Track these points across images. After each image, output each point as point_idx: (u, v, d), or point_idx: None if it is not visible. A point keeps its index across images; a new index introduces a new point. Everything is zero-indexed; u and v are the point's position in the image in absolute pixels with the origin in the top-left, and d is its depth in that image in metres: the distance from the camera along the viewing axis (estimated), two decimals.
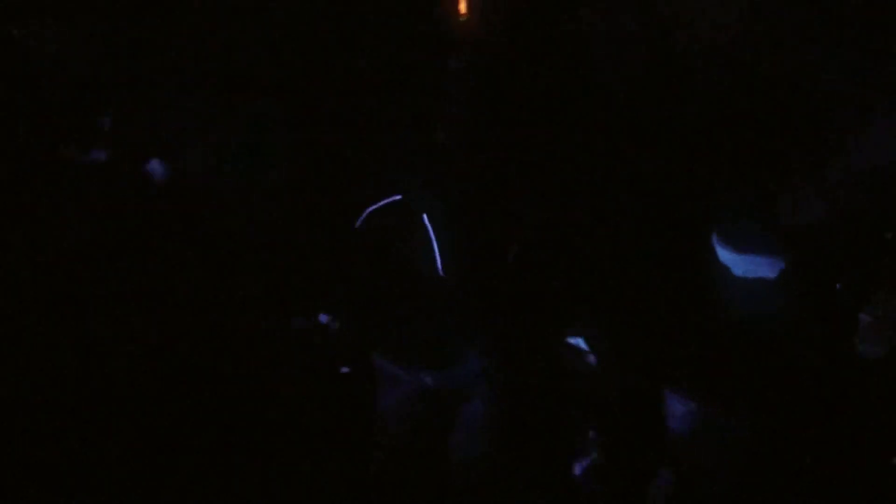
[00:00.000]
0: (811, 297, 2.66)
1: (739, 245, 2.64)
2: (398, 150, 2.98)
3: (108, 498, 2.78)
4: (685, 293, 2.74)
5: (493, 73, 3.17)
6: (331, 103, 3.21)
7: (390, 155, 2.91)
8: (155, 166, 3.08)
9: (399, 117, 3.01)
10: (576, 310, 2.87)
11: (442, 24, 3.22)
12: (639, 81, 3.07)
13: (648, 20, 3.11)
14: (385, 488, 2.80)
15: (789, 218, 2.70)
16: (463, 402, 2.79)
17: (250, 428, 2.99)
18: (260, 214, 3.17)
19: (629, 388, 2.78)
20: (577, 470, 2.75)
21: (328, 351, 3.08)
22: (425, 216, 2.67)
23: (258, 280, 3.15)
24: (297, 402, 3.04)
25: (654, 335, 2.77)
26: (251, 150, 3.20)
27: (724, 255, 2.66)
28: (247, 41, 3.22)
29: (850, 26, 2.81)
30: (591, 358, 2.78)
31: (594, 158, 2.97)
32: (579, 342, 2.82)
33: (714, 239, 2.68)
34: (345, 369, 3.04)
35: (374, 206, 2.70)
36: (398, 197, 2.68)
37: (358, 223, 2.72)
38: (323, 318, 2.93)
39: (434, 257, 2.66)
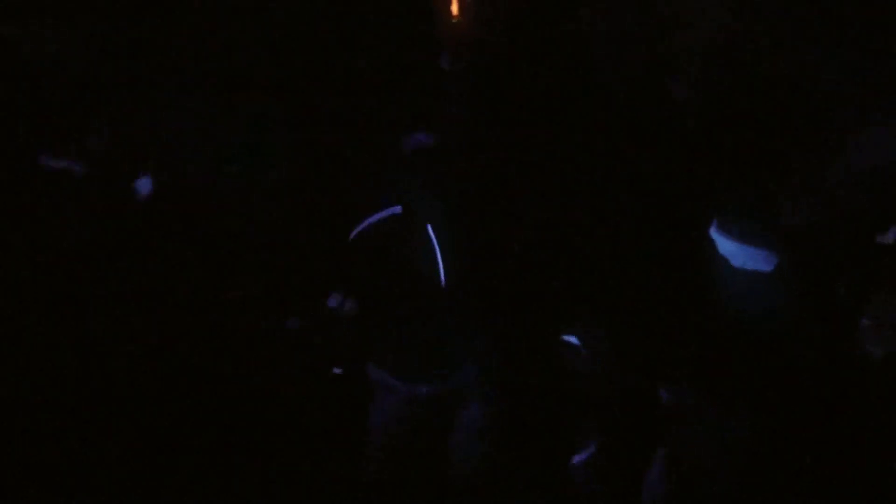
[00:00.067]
0: (810, 296, 2.65)
1: (738, 235, 2.64)
2: (398, 150, 2.97)
3: (105, 496, 2.79)
4: (683, 286, 2.74)
5: (491, 73, 3.17)
6: (331, 103, 3.21)
7: (390, 155, 2.90)
8: (144, 184, 3.07)
9: (399, 117, 3.01)
10: (575, 305, 2.87)
11: (437, 24, 3.23)
12: (638, 81, 3.07)
13: (648, 20, 3.11)
14: (379, 495, 2.81)
15: (789, 217, 2.70)
16: (460, 410, 2.79)
17: (247, 427, 3.00)
18: (260, 214, 3.18)
19: (627, 384, 2.78)
20: (575, 466, 2.75)
21: (324, 351, 3.08)
22: (430, 227, 2.67)
23: (257, 280, 3.15)
24: (292, 402, 3.04)
25: (652, 330, 2.77)
26: (251, 150, 3.20)
27: (724, 244, 2.65)
28: (247, 41, 3.23)
29: (850, 26, 2.81)
30: (586, 354, 2.78)
31: (593, 157, 2.97)
32: (573, 339, 2.82)
33: (714, 228, 2.67)
34: (337, 370, 3.04)
35: (371, 218, 2.69)
36: (397, 208, 2.68)
37: (354, 234, 2.71)
38: (332, 301, 2.92)
39: (437, 267, 2.65)
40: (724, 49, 3.02)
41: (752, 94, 2.88)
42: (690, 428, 2.65)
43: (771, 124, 2.80)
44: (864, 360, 2.64)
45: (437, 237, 2.66)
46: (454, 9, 3.23)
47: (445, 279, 2.65)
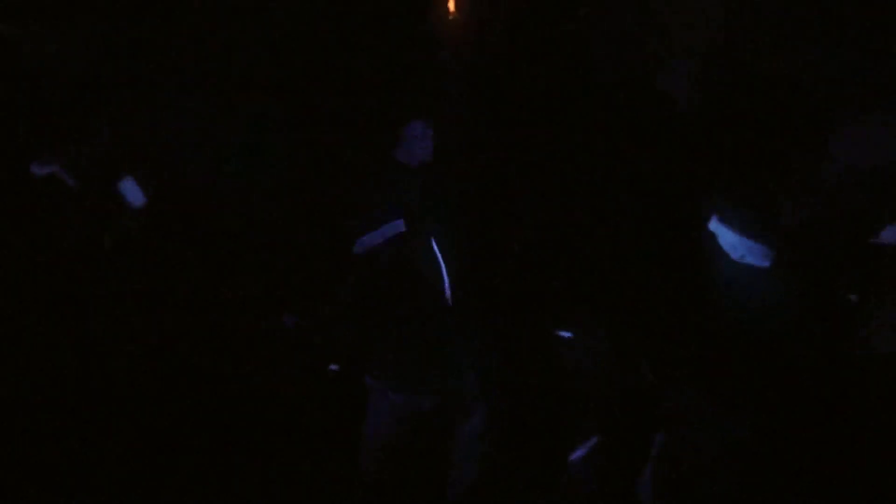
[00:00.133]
0: (810, 295, 2.65)
1: (738, 227, 2.63)
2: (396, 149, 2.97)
3: (105, 496, 2.79)
4: (683, 285, 2.74)
5: (491, 73, 3.17)
6: (331, 103, 3.21)
7: (389, 156, 2.90)
8: (130, 187, 3.06)
9: (398, 117, 3.01)
10: (575, 305, 2.87)
11: (437, 24, 3.22)
12: (638, 80, 3.07)
13: (648, 20, 3.11)
14: (377, 496, 2.81)
15: (788, 217, 2.70)
16: (462, 419, 2.78)
17: (245, 427, 3.00)
18: (260, 214, 3.17)
19: (627, 384, 2.77)
20: (573, 462, 2.74)
21: (322, 350, 3.08)
22: (434, 242, 2.66)
23: (257, 280, 3.15)
24: (291, 401, 3.04)
25: (652, 329, 2.77)
26: (251, 150, 3.20)
27: (725, 235, 2.65)
28: (247, 41, 3.22)
29: (850, 26, 2.81)
30: (584, 352, 2.78)
31: (593, 157, 2.97)
32: (569, 334, 2.82)
33: (714, 220, 2.67)
34: (334, 367, 3.04)
35: (375, 234, 2.68)
36: (400, 223, 2.67)
37: (358, 248, 2.70)
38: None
39: (442, 281, 2.65)
40: (723, 49, 3.02)
41: (752, 94, 2.88)
42: (690, 428, 2.65)
43: (771, 124, 2.80)
44: (864, 360, 2.64)
45: (440, 250, 2.66)
46: (454, 9, 3.23)
47: (450, 292, 2.65)
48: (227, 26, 3.20)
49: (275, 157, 3.21)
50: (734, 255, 2.62)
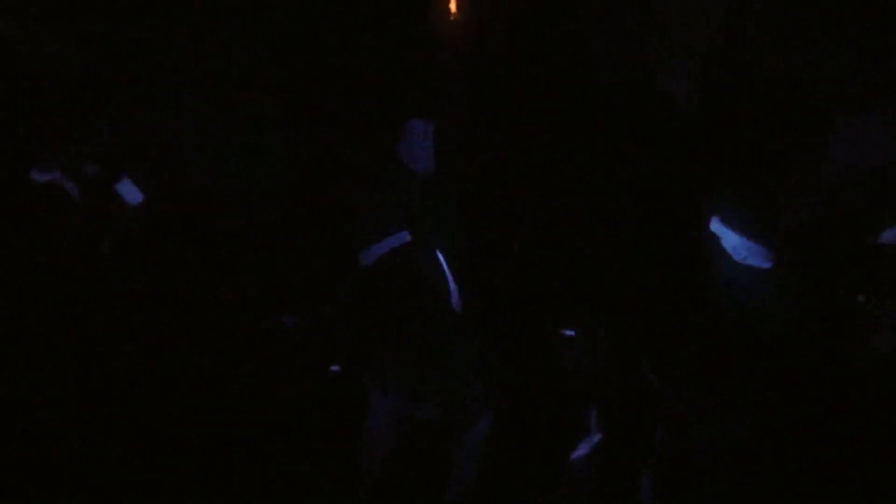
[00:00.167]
0: (810, 295, 2.65)
1: (740, 228, 2.64)
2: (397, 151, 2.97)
3: (105, 496, 2.78)
4: (684, 285, 2.74)
5: (491, 72, 3.17)
6: (331, 103, 3.21)
7: (390, 155, 2.90)
8: (128, 189, 3.06)
9: (398, 117, 3.01)
10: (575, 304, 2.87)
11: (437, 24, 3.22)
12: (638, 80, 3.07)
13: (648, 20, 3.11)
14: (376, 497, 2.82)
15: (789, 217, 2.70)
16: (466, 428, 2.78)
17: (245, 427, 2.99)
18: (260, 214, 3.17)
19: (627, 384, 2.77)
20: (574, 461, 2.74)
21: (322, 350, 3.08)
22: (439, 253, 2.66)
23: (257, 280, 3.15)
24: (291, 401, 3.04)
25: (652, 329, 2.77)
26: (251, 150, 3.20)
27: (727, 236, 2.65)
28: (247, 41, 3.22)
29: (850, 26, 2.81)
30: (584, 351, 2.78)
31: (593, 157, 2.97)
32: (570, 333, 2.82)
33: (715, 222, 2.67)
34: (335, 368, 3.04)
35: (381, 246, 2.68)
36: (405, 233, 2.67)
37: (364, 260, 2.69)
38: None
39: (449, 290, 2.64)
40: (723, 49, 3.02)
41: (752, 94, 2.88)
42: (690, 428, 2.65)
43: (771, 124, 2.80)
44: (864, 360, 2.64)
45: (445, 258, 2.66)
46: (454, 9, 3.23)
47: (457, 299, 2.65)
48: (227, 26, 3.20)
49: (275, 157, 3.21)
50: (737, 258, 2.62)
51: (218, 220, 3.17)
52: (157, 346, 3.03)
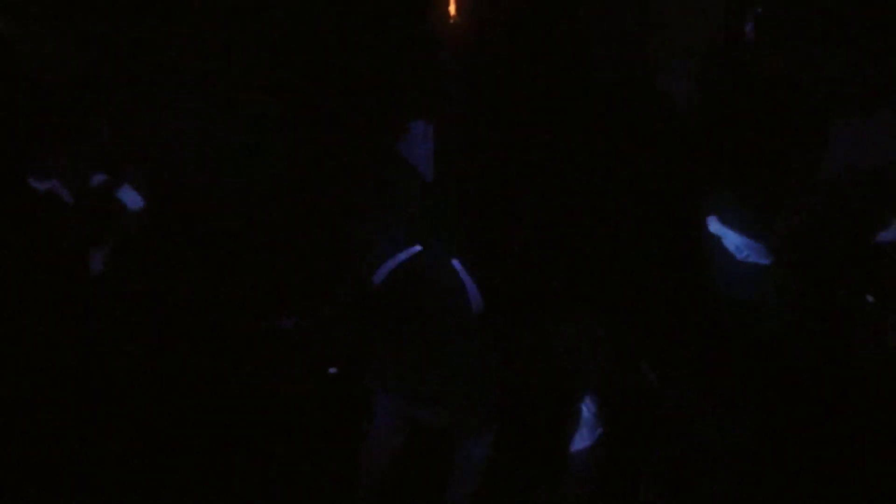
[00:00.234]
0: (810, 295, 2.66)
1: (740, 227, 2.64)
2: (397, 150, 2.97)
3: (104, 497, 2.79)
4: (684, 284, 2.74)
5: (491, 73, 3.17)
6: (331, 103, 3.21)
7: (390, 155, 2.90)
8: (129, 195, 3.06)
9: (399, 117, 3.01)
10: (575, 304, 2.86)
11: (437, 24, 3.22)
12: (638, 80, 3.07)
13: (648, 20, 3.11)
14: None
15: (789, 216, 2.70)
16: (469, 440, 2.78)
17: (244, 428, 3.00)
18: (260, 214, 3.17)
19: (627, 383, 2.78)
20: (574, 455, 2.74)
21: (320, 351, 3.08)
22: (456, 262, 2.65)
23: (257, 280, 3.15)
24: (290, 402, 3.05)
25: (653, 329, 2.77)
26: (251, 150, 3.20)
27: (729, 237, 2.65)
28: (247, 41, 3.22)
29: (850, 26, 2.81)
30: (581, 349, 2.78)
31: (593, 157, 2.97)
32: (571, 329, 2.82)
33: (715, 222, 2.67)
34: (332, 370, 3.04)
35: (394, 260, 2.67)
36: (416, 247, 2.66)
37: (378, 279, 2.68)
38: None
39: (467, 298, 2.63)
40: (723, 49, 3.02)
41: (752, 94, 2.88)
42: (690, 428, 2.65)
43: (771, 124, 2.80)
44: (863, 360, 2.64)
45: (463, 264, 2.65)
46: (453, 9, 3.23)
47: (478, 306, 2.64)
48: (227, 26, 3.20)
49: (275, 157, 3.21)
50: (739, 256, 2.62)
51: (218, 221, 3.17)
52: (157, 347, 3.03)
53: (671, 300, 2.76)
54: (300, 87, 3.22)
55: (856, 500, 2.53)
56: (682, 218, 2.80)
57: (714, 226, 2.67)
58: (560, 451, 2.78)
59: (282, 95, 3.21)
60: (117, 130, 3.13)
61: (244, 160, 3.18)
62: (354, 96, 3.18)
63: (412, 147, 2.83)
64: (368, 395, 2.82)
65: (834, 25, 2.83)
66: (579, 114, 3.04)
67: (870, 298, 2.62)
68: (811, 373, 2.60)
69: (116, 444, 2.88)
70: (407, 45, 3.20)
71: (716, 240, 2.66)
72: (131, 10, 3.17)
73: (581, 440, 2.75)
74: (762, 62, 2.95)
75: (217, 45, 3.19)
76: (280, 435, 3.01)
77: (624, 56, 3.11)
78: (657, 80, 3.07)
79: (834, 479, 2.54)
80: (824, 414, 2.59)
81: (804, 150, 2.77)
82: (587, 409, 2.76)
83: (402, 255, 2.64)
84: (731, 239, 2.63)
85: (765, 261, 2.61)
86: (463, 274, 2.62)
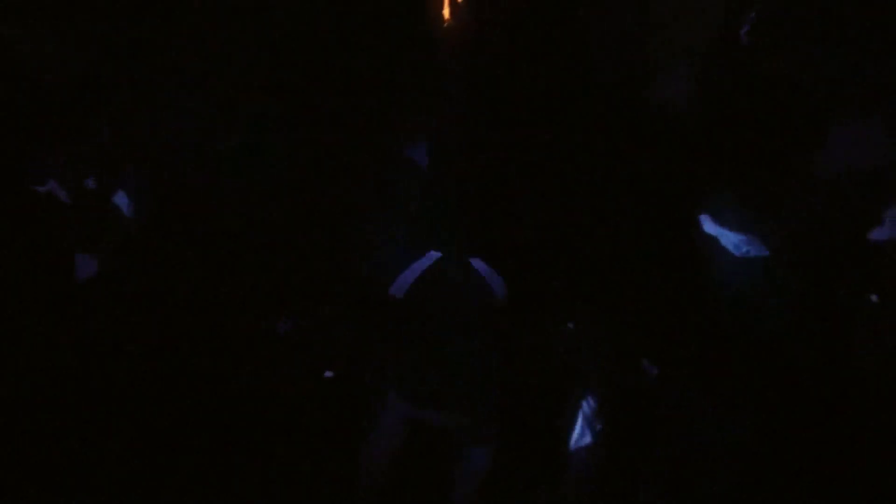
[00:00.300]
0: (810, 295, 2.66)
1: (736, 226, 2.64)
2: (397, 150, 2.97)
3: (102, 497, 2.79)
4: (684, 284, 2.74)
5: (491, 73, 3.17)
6: (331, 103, 3.21)
7: (390, 155, 2.90)
8: (123, 201, 3.07)
9: (399, 117, 3.01)
10: (575, 304, 2.87)
11: (437, 24, 3.22)
12: (637, 80, 3.07)
13: (647, 19, 3.11)
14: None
15: (789, 216, 2.70)
16: (468, 448, 2.77)
17: (243, 429, 2.99)
18: (260, 214, 3.17)
19: (627, 383, 2.78)
20: (573, 452, 2.74)
21: (318, 353, 3.08)
22: (478, 261, 2.64)
23: (257, 280, 3.15)
24: (289, 404, 3.04)
25: (653, 328, 2.78)
26: (251, 150, 3.20)
27: (725, 236, 2.65)
28: (247, 41, 3.22)
29: (850, 26, 2.81)
30: (581, 349, 2.78)
31: (593, 156, 2.97)
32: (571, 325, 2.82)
33: (709, 222, 2.68)
34: (328, 373, 3.04)
35: (414, 269, 2.66)
36: (433, 253, 2.65)
37: (399, 292, 2.67)
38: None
39: (491, 294, 2.63)
40: (723, 49, 3.02)
41: (752, 94, 2.88)
42: (690, 428, 2.65)
43: (771, 124, 2.80)
44: (863, 360, 2.64)
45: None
46: (452, 9, 3.23)
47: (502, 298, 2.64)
48: (227, 26, 3.20)
49: (275, 157, 3.21)
50: (738, 253, 2.62)
51: (218, 221, 3.17)
52: (157, 347, 3.03)
53: (671, 300, 2.76)
54: (300, 87, 3.22)
55: (856, 500, 2.53)
56: (682, 217, 2.80)
57: (709, 225, 2.67)
58: (560, 451, 2.78)
59: (282, 95, 3.21)
60: (117, 130, 3.13)
61: (244, 160, 3.18)
62: (354, 96, 3.18)
63: (413, 147, 2.84)
64: (371, 397, 2.82)
65: (833, 25, 2.83)
66: (579, 114, 3.04)
67: (873, 298, 2.62)
68: (811, 373, 2.60)
69: (116, 445, 2.88)
70: (407, 45, 3.20)
71: (713, 239, 2.66)
72: (131, 10, 3.17)
73: (581, 439, 2.75)
74: (761, 62, 2.95)
75: (217, 45, 3.19)
76: (280, 435, 3.01)
77: (623, 56, 3.11)
78: (657, 80, 3.07)
79: (834, 479, 2.54)
80: (824, 414, 2.59)
81: (804, 150, 2.77)
82: (587, 408, 2.76)
83: (422, 264, 2.64)
84: (729, 238, 2.63)
85: (764, 252, 2.61)
86: (485, 270, 2.62)
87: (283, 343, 3.13)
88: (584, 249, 2.90)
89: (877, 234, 2.63)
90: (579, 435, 2.77)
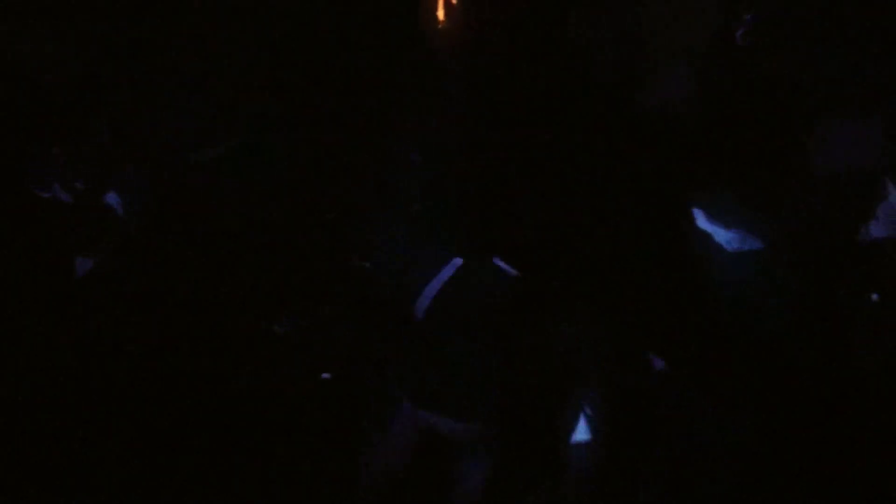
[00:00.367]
0: (809, 295, 2.66)
1: (731, 223, 2.64)
2: (397, 150, 2.98)
3: (101, 497, 2.79)
4: (683, 284, 2.74)
5: (490, 73, 3.17)
6: (331, 103, 3.21)
7: (390, 155, 2.90)
8: (115, 200, 3.07)
9: (399, 118, 3.01)
10: (575, 304, 2.87)
11: (436, 25, 3.23)
12: (636, 80, 3.07)
13: (648, 20, 3.11)
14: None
15: (788, 216, 2.70)
16: (469, 455, 2.77)
17: (243, 430, 2.99)
18: (260, 214, 3.18)
19: (627, 383, 2.78)
20: (572, 448, 2.74)
21: (317, 354, 3.08)
22: (497, 260, 2.63)
23: (257, 280, 3.15)
24: (288, 405, 3.04)
25: (653, 328, 2.78)
26: (251, 150, 3.20)
27: (718, 233, 2.65)
28: (247, 41, 3.23)
29: (850, 26, 2.81)
30: (581, 348, 2.78)
31: (592, 156, 2.98)
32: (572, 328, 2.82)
33: (704, 220, 2.68)
34: (326, 375, 3.04)
35: (438, 279, 2.64)
36: (457, 259, 2.64)
37: (421, 305, 2.64)
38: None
39: (515, 292, 2.61)
40: (723, 49, 3.02)
41: (751, 94, 2.88)
42: (690, 428, 2.65)
43: (770, 124, 2.80)
44: (863, 359, 2.65)
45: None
46: (441, 16, 3.23)
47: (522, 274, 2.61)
48: (227, 26, 3.20)
49: (275, 157, 3.21)
50: (729, 249, 2.63)
51: (218, 221, 3.17)
52: (157, 347, 3.03)
53: (671, 299, 2.76)
54: (300, 87, 3.22)
55: (856, 500, 2.53)
56: (682, 217, 2.80)
57: (703, 221, 2.67)
58: (560, 450, 2.78)
59: (282, 95, 3.21)
60: (117, 130, 3.14)
61: (244, 160, 3.18)
62: (354, 96, 3.18)
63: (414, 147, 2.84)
64: (374, 399, 2.81)
65: (831, 25, 2.84)
66: (578, 113, 3.04)
67: (873, 297, 2.63)
68: (811, 372, 2.60)
69: (116, 445, 2.88)
70: (407, 45, 3.21)
71: (706, 235, 2.66)
72: (131, 10, 3.17)
73: (581, 439, 2.75)
74: (760, 62, 2.95)
75: (217, 45, 3.19)
76: (279, 435, 3.01)
77: (624, 56, 3.11)
78: (654, 79, 3.07)
79: (834, 479, 2.54)
80: (824, 414, 2.59)
81: (802, 149, 2.77)
82: (587, 408, 2.76)
83: (445, 273, 2.62)
84: (722, 235, 2.63)
85: (756, 246, 2.61)
86: (507, 268, 2.62)
87: (282, 343, 3.13)
88: (584, 249, 2.90)
89: (875, 232, 2.64)
90: (579, 435, 2.76)
